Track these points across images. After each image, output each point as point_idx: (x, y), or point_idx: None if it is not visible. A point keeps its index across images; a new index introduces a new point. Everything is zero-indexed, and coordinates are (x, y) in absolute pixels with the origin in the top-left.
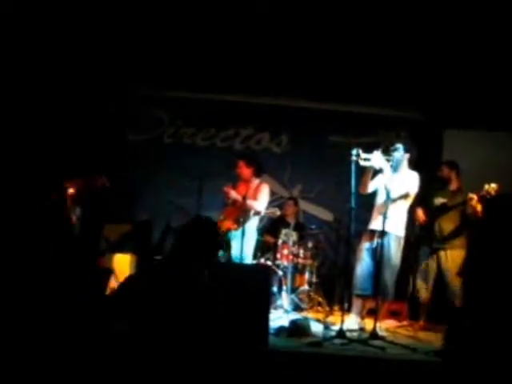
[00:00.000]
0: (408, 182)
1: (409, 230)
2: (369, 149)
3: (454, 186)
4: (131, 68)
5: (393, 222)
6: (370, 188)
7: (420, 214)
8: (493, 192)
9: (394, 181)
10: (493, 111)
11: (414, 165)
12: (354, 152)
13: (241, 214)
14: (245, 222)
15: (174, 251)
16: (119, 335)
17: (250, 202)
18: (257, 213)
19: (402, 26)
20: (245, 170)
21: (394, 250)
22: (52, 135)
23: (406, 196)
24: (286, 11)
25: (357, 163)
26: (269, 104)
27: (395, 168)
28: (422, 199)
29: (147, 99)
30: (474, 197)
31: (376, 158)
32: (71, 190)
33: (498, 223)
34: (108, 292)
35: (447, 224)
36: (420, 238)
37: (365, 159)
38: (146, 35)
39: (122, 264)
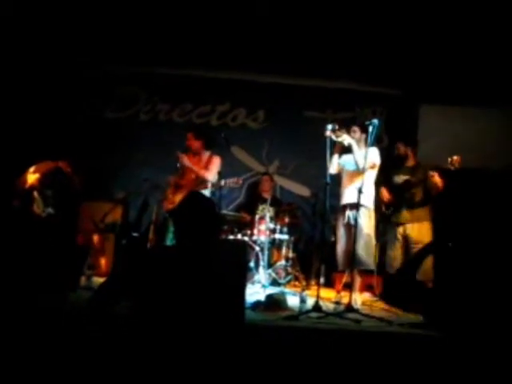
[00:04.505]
0: (371, 155)
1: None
2: (344, 124)
3: (410, 162)
4: (107, 44)
5: (361, 195)
6: (334, 169)
7: (385, 192)
8: (456, 164)
9: (361, 155)
10: (467, 87)
11: (388, 140)
12: (330, 127)
13: (193, 187)
14: None
15: (178, 232)
16: (120, 317)
17: (201, 172)
18: (215, 185)
19: (380, 2)
20: (194, 143)
21: (364, 221)
22: (23, 116)
23: (373, 167)
24: None
25: (330, 138)
26: (245, 80)
27: (371, 142)
28: (384, 178)
29: (123, 76)
30: (435, 173)
31: (346, 136)
32: (38, 175)
33: (460, 196)
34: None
35: (412, 197)
36: (386, 215)
37: (338, 136)
38: (122, 10)
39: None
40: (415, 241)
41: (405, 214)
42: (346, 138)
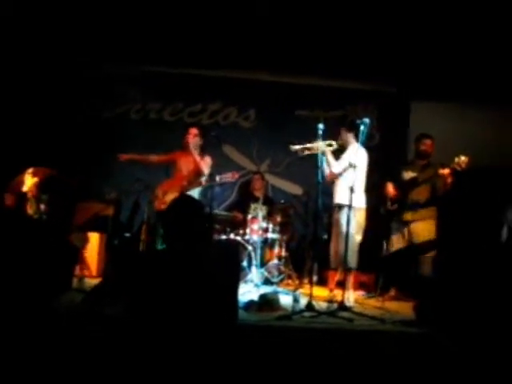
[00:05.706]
0: (359, 155)
1: (378, 203)
2: (336, 123)
3: (423, 160)
4: (97, 43)
5: (348, 195)
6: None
7: (390, 188)
8: (463, 165)
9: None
10: (460, 84)
11: (379, 139)
12: (320, 126)
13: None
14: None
15: (167, 235)
16: (112, 318)
17: (201, 163)
18: (209, 181)
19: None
20: (196, 139)
21: (352, 221)
22: (20, 116)
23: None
24: None
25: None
26: (237, 78)
27: (362, 141)
28: (391, 173)
29: (113, 75)
30: (446, 171)
31: (317, 147)
32: (36, 179)
33: (467, 196)
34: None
35: (418, 197)
36: (391, 212)
37: (303, 149)
38: (115, 10)
39: (90, 242)
40: (418, 239)
41: (408, 215)
42: (315, 150)
